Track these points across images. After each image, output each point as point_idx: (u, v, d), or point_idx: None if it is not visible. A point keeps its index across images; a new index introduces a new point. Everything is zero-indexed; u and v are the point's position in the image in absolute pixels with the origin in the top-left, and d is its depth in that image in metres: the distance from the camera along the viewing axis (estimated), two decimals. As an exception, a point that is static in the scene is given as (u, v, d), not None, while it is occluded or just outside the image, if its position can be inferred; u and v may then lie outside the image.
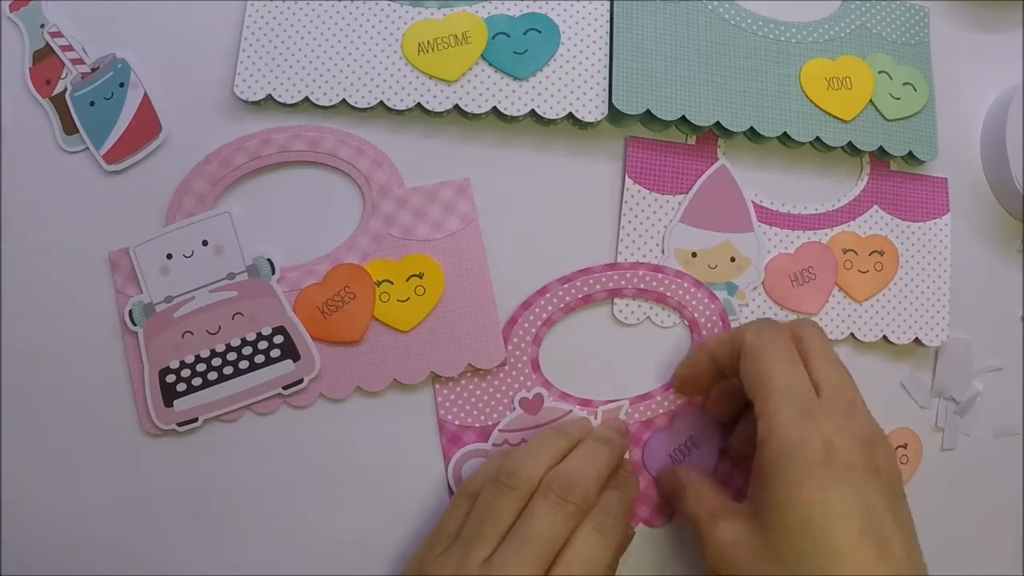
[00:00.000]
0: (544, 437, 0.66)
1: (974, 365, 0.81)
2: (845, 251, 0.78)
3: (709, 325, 0.75)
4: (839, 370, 0.63)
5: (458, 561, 0.59)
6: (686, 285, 0.75)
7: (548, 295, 0.73)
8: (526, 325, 0.73)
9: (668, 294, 0.75)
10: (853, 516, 0.56)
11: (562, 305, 0.73)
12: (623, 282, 0.74)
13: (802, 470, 0.58)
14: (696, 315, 0.75)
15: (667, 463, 0.73)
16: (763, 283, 0.77)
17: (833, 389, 0.61)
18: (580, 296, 0.74)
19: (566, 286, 0.74)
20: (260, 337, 0.69)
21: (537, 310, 0.73)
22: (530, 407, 0.72)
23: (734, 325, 0.75)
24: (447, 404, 0.72)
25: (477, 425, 0.72)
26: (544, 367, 0.74)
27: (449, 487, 0.72)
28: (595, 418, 0.73)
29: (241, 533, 0.70)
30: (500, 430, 0.72)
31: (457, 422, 0.72)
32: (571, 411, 0.72)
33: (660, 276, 0.75)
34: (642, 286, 0.74)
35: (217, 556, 0.70)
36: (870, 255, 0.78)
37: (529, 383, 0.72)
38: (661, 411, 0.74)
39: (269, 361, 0.69)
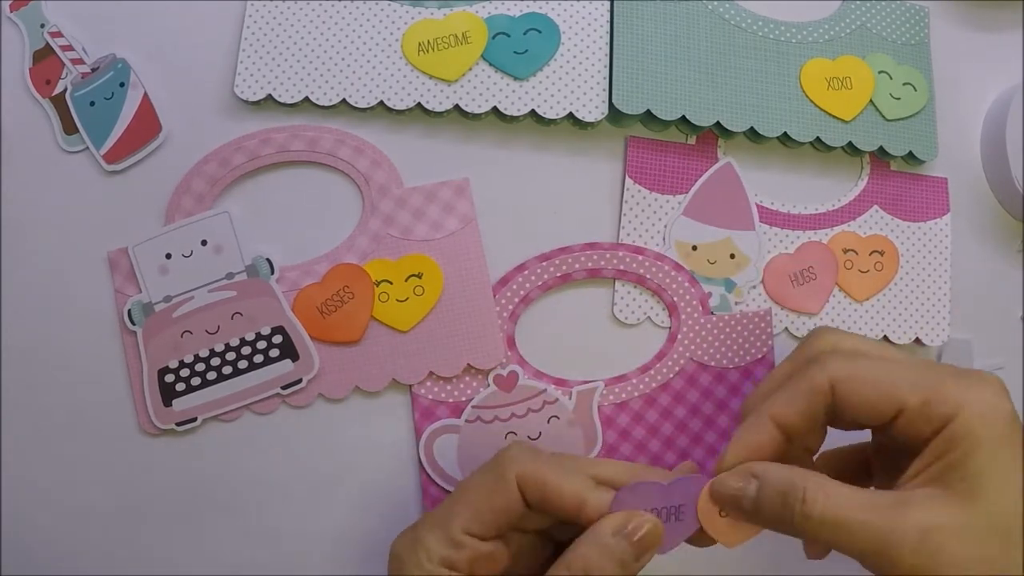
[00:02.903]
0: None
1: (974, 365, 0.81)
2: (845, 251, 0.78)
3: (689, 310, 0.75)
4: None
5: None
6: (666, 268, 0.75)
7: (526, 272, 0.73)
8: (503, 302, 0.73)
9: (648, 276, 0.75)
10: None
11: (540, 283, 0.74)
12: (602, 262, 0.75)
13: (1010, 427, 0.51)
14: (676, 299, 0.75)
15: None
16: (763, 283, 0.77)
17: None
18: (558, 275, 0.74)
19: (544, 263, 0.74)
20: (259, 337, 0.69)
21: (515, 287, 0.73)
22: (504, 384, 0.72)
23: (719, 316, 0.75)
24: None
25: (451, 400, 0.72)
26: (520, 345, 0.74)
27: (420, 463, 0.72)
28: (569, 398, 0.73)
29: (240, 532, 0.70)
30: (474, 406, 0.72)
31: (431, 396, 0.72)
32: (545, 390, 0.72)
33: (640, 258, 0.75)
34: (622, 267, 0.75)
35: (216, 555, 0.70)
36: (870, 255, 0.78)
37: (504, 360, 0.72)
38: (636, 393, 0.74)
39: (268, 361, 0.69)
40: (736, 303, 0.76)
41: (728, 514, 0.57)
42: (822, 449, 0.61)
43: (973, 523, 0.49)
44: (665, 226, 0.75)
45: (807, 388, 0.55)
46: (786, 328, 0.77)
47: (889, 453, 0.59)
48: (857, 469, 0.61)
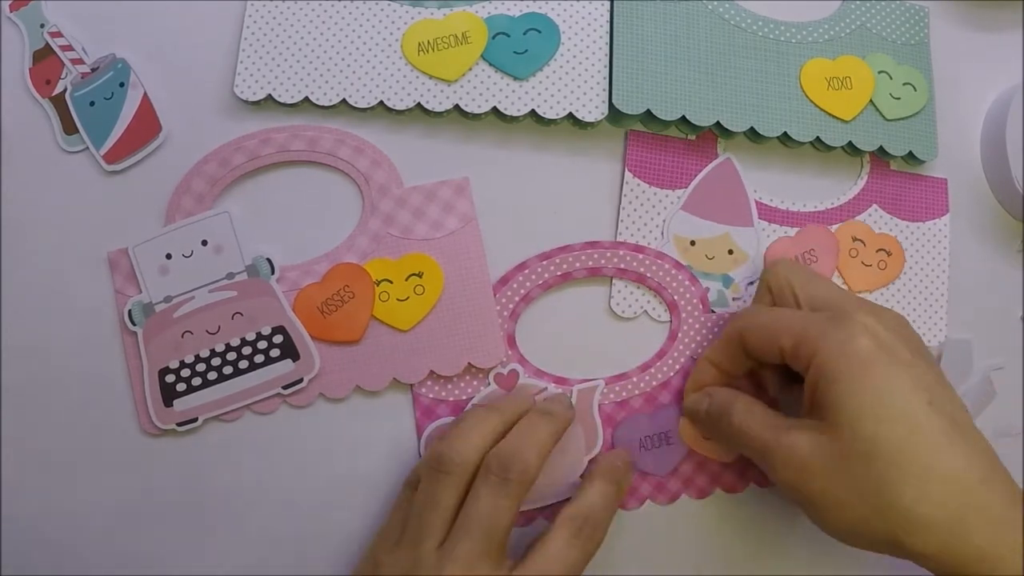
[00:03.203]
0: (474, 416, 0.66)
1: (974, 365, 0.81)
2: (854, 239, 0.78)
3: (689, 308, 0.75)
4: (832, 283, 0.68)
5: (411, 552, 0.61)
6: (667, 267, 0.75)
7: (527, 271, 0.73)
8: (503, 300, 0.73)
9: (648, 275, 0.75)
10: (919, 390, 0.58)
11: (540, 282, 0.73)
12: (603, 261, 0.74)
13: (861, 362, 0.59)
14: (676, 297, 0.75)
15: (634, 447, 0.73)
16: (764, 264, 0.77)
17: (843, 294, 0.66)
18: (559, 273, 0.74)
19: (545, 262, 0.74)
20: (260, 337, 0.69)
21: (515, 286, 0.73)
22: (505, 383, 0.72)
23: (719, 314, 0.76)
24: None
25: (451, 399, 0.72)
26: (521, 344, 0.74)
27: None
28: (570, 397, 0.73)
29: (241, 533, 0.70)
30: (474, 404, 0.72)
31: (431, 395, 0.72)
32: (546, 388, 0.72)
33: (641, 256, 0.75)
34: (622, 266, 0.74)
35: (217, 556, 0.70)
36: (877, 251, 0.78)
37: (505, 358, 0.72)
38: (637, 392, 0.74)
39: (269, 361, 0.69)
40: (733, 299, 0.76)
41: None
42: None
43: (838, 449, 0.58)
44: (664, 221, 0.75)
45: (726, 335, 0.69)
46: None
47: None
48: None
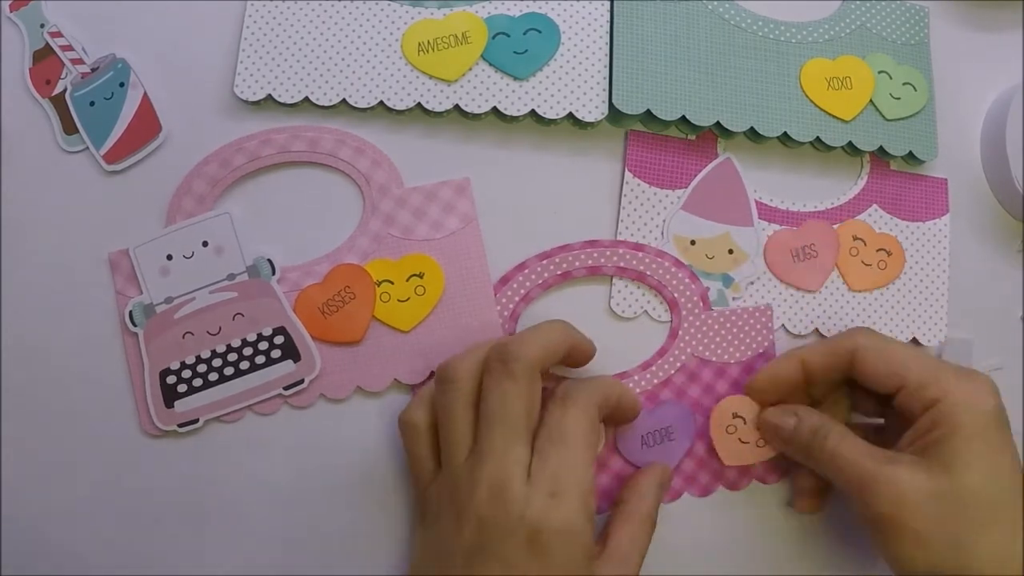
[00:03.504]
0: (473, 345, 0.67)
1: (974, 365, 0.81)
2: (855, 238, 0.79)
3: (689, 306, 0.75)
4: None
5: (446, 474, 0.63)
6: (667, 264, 0.75)
7: (526, 271, 0.73)
8: (504, 300, 0.73)
9: (648, 273, 0.75)
10: (1019, 459, 0.63)
11: (540, 281, 0.73)
12: (603, 259, 0.74)
13: (986, 420, 0.63)
14: (676, 295, 0.75)
15: (637, 445, 0.73)
16: (764, 257, 0.77)
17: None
18: (559, 272, 0.74)
19: (544, 262, 0.74)
20: (261, 338, 0.69)
21: (515, 285, 0.73)
22: None
23: (719, 311, 0.75)
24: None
25: None
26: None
27: None
28: None
29: (242, 534, 0.70)
30: None
31: None
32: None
33: (640, 255, 0.74)
34: (622, 264, 0.74)
35: (217, 556, 0.70)
36: (877, 251, 0.78)
37: None
38: (639, 390, 0.74)
39: (270, 361, 0.69)
40: (734, 298, 0.76)
41: (740, 437, 0.74)
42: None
43: (939, 490, 0.61)
44: (664, 220, 0.75)
45: (835, 345, 0.69)
46: (783, 325, 0.77)
47: (892, 425, 0.71)
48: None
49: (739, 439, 0.73)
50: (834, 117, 0.77)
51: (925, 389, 0.64)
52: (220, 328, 0.69)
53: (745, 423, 0.74)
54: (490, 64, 0.73)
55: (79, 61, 0.72)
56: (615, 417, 0.69)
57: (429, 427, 0.65)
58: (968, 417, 0.62)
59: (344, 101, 0.72)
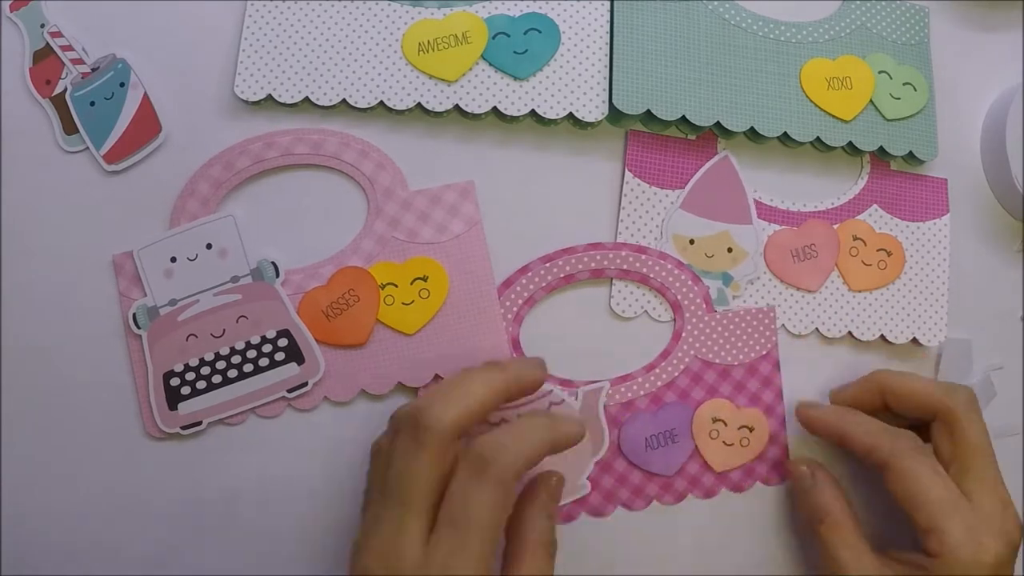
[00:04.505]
0: (468, 376, 0.63)
1: (974, 365, 0.82)
2: (855, 238, 0.79)
3: (692, 308, 0.75)
4: (984, 472, 0.69)
5: (393, 541, 0.57)
6: (669, 267, 0.75)
7: (529, 274, 0.73)
8: (507, 303, 0.73)
9: (651, 275, 0.75)
10: None
11: (544, 284, 0.74)
12: (605, 262, 0.74)
13: (988, 450, 0.69)
14: (679, 297, 0.75)
15: (640, 447, 0.73)
16: (764, 256, 0.77)
17: (985, 494, 0.68)
18: (562, 276, 0.74)
19: (547, 265, 0.74)
20: (264, 340, 0.69)
21: (519, 288, 0.73)
22: None
23: (722, 311, 0.76)
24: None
25: None
26: (525, 347, 0.74)
27: None
28: (576, 399, 0.73)
29: (244, 536, 0.70)
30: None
31: None
32: (551, 391, 0.73)
33: (643, 257, 0.75)
34: (625, 267, 0.75)
35: (219, 558, 0.70)
36: (877, 251, 0.79)
37: None
38: (642, 392, 0.74)
39: (273, 364, 0.69)
40: (734, 297, 0.76)
41: (724, 440, 0.75)
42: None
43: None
44: (664, 220, 0.75)
45: (912, 393, 0.73)
46: (783, 325, 0.77)
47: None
48: None
49: (723, 442, 0.74)
50: (834, 117, 0.77)
51: (931, 534, 0.66)
52: (224, 330, 0.69)
53: (726, 425, 0.74)
54: (490, 64, 0.73)
55: (79, 61, 0.71)
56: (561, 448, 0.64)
57: None
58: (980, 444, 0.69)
59: (344, 101, 0.71)
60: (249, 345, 0.69)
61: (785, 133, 0.76)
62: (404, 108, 0.72)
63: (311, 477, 0.71)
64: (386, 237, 0.71)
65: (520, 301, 0.73)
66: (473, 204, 0.72)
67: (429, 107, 0.72)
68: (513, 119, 0.74)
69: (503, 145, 0.75)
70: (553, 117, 0.73)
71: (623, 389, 0.74)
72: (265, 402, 0.70)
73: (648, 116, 0.73)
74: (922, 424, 0.72)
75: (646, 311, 0.75)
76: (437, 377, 0.71)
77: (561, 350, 0.74)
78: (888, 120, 0.78)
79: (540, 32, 0.74)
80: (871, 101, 0.78)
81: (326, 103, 0.71)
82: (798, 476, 0.74)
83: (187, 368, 0.69)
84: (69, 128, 0.71)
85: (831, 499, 0.71)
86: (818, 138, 0.77)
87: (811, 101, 0.77)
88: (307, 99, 0.71)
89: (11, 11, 0.72)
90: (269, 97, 0.71)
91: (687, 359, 0.75)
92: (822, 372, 0.78)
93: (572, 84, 0.74)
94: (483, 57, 0.73)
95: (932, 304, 0.79)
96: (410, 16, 0.73)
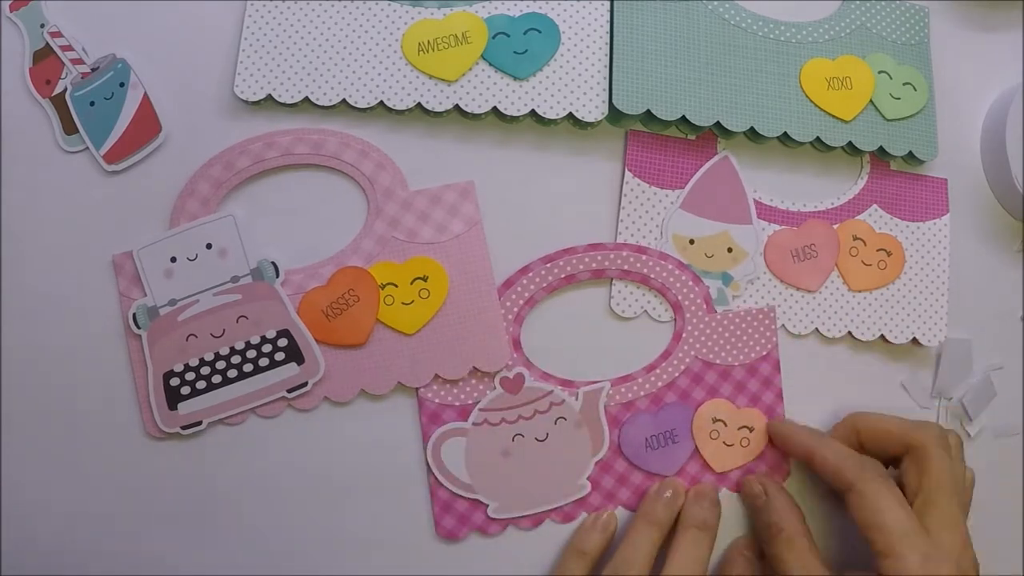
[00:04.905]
0: (637, 532, 0.71)
1: (974, 365, 0.82)
2: (855, 238, 0.79)
3: (693, 308, 0.75)
4: (947, 508, 0.68)
5: None
6: (670, 267, 0.75)
7: (530, 274, 0.73)
8: (508, 304, 0.73)
9: (652, 276, 0.75)
10: None
11: (544, 285, 0.74)
12: (606, 263, 0.74)
13: (951, 490, 0.68)
14: (680, 297, 0.75)
15: (640, 447, 0.73)
16: (764, 256, 0.77)
17: (946, 530, 0.67)
18: (563, 276, 0.74)
19: (548, 265, 0.74)
20: (264, 340, 0.69)
21: (519, 289, 0.73)
22: (511, 386, 0.72)
23: (722, 312, 0.76)
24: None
25: (457, 404, 0.72)
26: (526, 347, 0.74)
27: (427, 466, 0.72)
28: (576, 399, 0.73)
29: (245, 536, 0.70)
30: (480, 409, 0.72)
31: (437, 400, 0.72)
32: (552, 391, 0.72)
33: (644, 258, 0.75)
34: (625, 267, 0.75)
35: (221, 559, 0.70)
36: (877, 251, 0.79)
37: (510, 362, 0.72)
38: (643, 393, 0.74)
39: (273, 364, 0.69)
40: (733, 296, 0.76)
41: (724, 441, 0.75)
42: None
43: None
44: (664, 220, 0.75)
45: (886, 431, 0.73)
46: (783, 325, 0.77)
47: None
48: None
49: (723, 443, 0.75)
50: (834, 117, 0.77)
51: (885, 559, 0.65)
52: (224, 330, 0.69)
53: (726, 426, 0.74)
54: (490, 64, 0.73)
55: (79, 61, 0.71)
56: None
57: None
58: (944, 483, 0.68)
59: (344, 101, 0.71)
60: (249, 345, 0.69)
61: (785, 133, 0.76)
62: (404, 108, 0.72)
63: (311, 477, 0.71)
64: (386, 237, 0.71)
65: (521, 301, 0.73)
66: (473, 204, 0.72)
67: (429, 107, 0.72)
68: (513, 119, 0.74)
69: (503, 145, 0.75)
70: (553, 117, 0.73)
71: (623, 389, 0.74)
72: (265, 402, 0.69)
73: (648, 116, 0.73)
74: (895, 463, 0.73)
75: (646, 311, 0.75)
76: (437, 377, 0.71)
77: (561, 350, 0.74)
78: (888, 120, 0.78)
79: (540, 32, 0.74)
80: (871, 101, 0.78)
81: (326, 103, 0.71)
82: (751, 494, 0.74)
83: (187, 368, 0.69)
84: (69, 128, 0.71)
85: (785, 515, 0.71)
86: (818, 138, 0.77)
87: (811, 101, 0.77)
88: (307, 99, 0.71)
89: (11, 11, 0.72)
90: (269, 97, 0.71)
91: (687, 359, 0.75)
92: (822, 372, 0.78)
93: (572, 84, 0.74)
94: (483, 57, 0.73)
95: (932, 304, 0.79)
96: (410, 16, 0.73)
